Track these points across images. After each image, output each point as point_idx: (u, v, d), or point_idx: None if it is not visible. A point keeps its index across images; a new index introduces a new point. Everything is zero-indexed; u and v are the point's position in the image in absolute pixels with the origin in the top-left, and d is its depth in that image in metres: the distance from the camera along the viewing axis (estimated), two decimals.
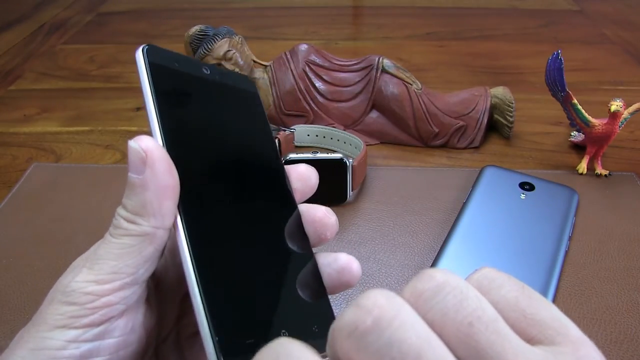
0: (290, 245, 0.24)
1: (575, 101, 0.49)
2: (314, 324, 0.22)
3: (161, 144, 0.21)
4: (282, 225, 0.24)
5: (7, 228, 0.46)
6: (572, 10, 0.97)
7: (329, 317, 0.23)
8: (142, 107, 0.21)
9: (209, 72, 0.25)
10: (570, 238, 0.43)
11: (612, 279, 0.40)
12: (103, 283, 0.20)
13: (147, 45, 0.23)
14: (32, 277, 0.41)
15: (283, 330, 0.21)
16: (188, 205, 0.21)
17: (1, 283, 0.41)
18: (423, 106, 0.55)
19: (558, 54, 0.48)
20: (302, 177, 0.25)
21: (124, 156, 0.57)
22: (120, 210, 0.20)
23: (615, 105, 0.47)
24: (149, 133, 0.21)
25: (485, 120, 0.55)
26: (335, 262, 0.24)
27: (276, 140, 0.51)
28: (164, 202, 0.20)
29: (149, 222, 0.20)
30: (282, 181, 0.25)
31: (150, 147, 0.20)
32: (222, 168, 0.23)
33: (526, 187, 0.47)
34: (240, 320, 0.20)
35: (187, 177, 0.21)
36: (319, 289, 0.23)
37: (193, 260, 0.20)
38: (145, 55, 0.23)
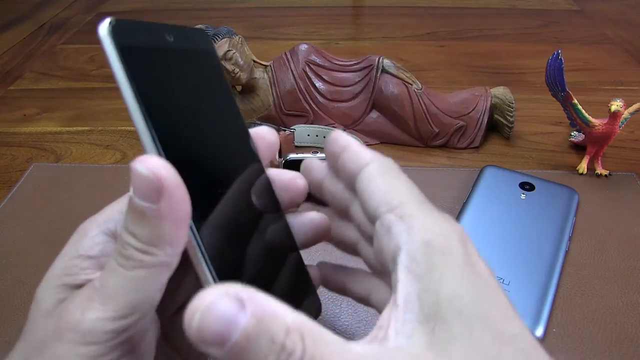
0: (262, 208, 0.24)
1: (576, 101, 0.49)
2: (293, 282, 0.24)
3: (158, 151, 0.19)
4: (252, 185, 0.24)
5: (7, 228, 0.46)
6: (572, 10, 0.97)
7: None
8: (120, 98, 0.20)
9: (172, 40, 0.22)
10: (570, 238, 0.43)
11: (612, 279, 0.40)
12: (121, 319, 0.18)
13: (112, 21, 0.19)
14: (32, 277, 0.41)
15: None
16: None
17: (1, 283, 0.41)
18: (423, 106, 0.55)
19: (558, 54, 0.48)
20: (288, 186, 0.25)
21: (124, 156, 0.57)
22: (129, 239, 0.18)
23: (615, 105, 0.47)
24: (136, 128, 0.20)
25: (486, 120, 0.55)
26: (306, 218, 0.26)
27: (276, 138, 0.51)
28: (181, 230, 0.18)
29: (165, 251, 0.18)
30: (248, 144, 0.25)
31: (165, 175, 0.17)
32: (206, 148, 0.22)
33: (526, 187, 0.47)
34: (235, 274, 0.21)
35: (185, 171, 0.20)
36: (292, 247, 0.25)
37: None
38: (113, 37, 0.19)
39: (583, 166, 0.51)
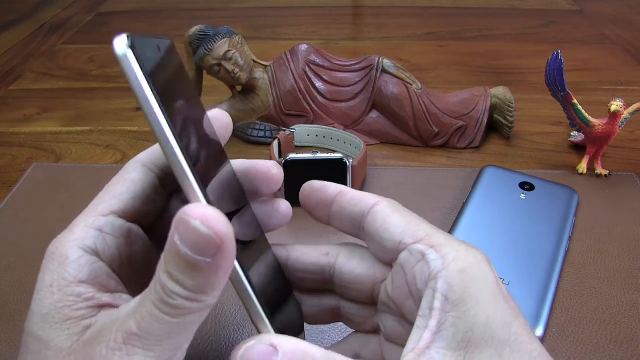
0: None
1: (575, 101, 0.49)
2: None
3: (188, 170, 0.18)
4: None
5: (7, 228, 0.46)
6: (572, 10, 0.97)
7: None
8: (144, 117, 0.19)
9: (160, 52, 0.21)
10: (570, 238, 0.43)
11: (612, 279, 0.40)
12: None
13: (129, 36, 0.18)
14: (33, 277, 0.41)
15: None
16: None
17: (1, 283, 0.41)
18: (423, 106, 0.55)
19: (558, 54, 0.48)
20: (266, 176, 0.25)
21: (124, 156, 0.57)
22: (176, 288, 0.17)
23: (615, 105, 0.47)
24: (153, 135, 0.19)
25: (485, 120, 0.55)
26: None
27: (276, 141, 0.51)
28: (227, 276, 0.18)
29: (213, 296, 0.18)
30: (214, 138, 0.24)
31: (225, 232, 0.16)
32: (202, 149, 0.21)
33: (526, 187, 0.47)
34: None
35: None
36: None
37: None
38: (131, 50, 0.18)
39: (583, 166, 0.51)
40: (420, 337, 0.19)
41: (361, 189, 0.50)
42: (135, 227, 0.23)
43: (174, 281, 0.17)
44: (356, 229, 0.24)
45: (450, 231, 0.43)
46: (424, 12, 0.97)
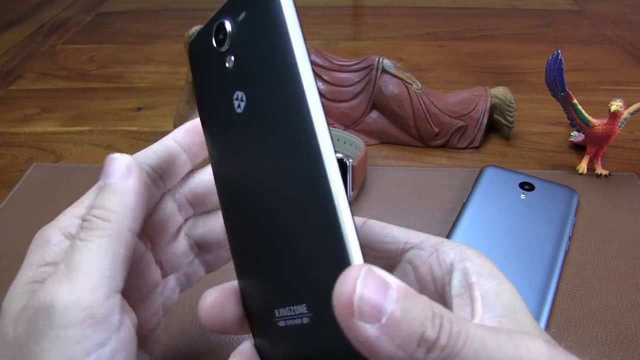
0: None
1: (575, 101, 0.49)
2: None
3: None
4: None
5: (7, 228, 0.46)
6: (572, 10, 0.97)
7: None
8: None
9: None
10: (570, 238, 0.43)
11: (612, 279, 0.40)
12: (94, 291, 0.20)
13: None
14: None
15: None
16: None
17: (1, 283, 0.41)
18: (423, 106, 0.55)
19: (558, 54, 0.48)
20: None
21: None
22: (91, 211, 0.22)
23: (615, 105, 0.47)
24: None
25: (485, 120, 0.55)
26: None
27: None
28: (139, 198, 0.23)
29: (125, 218, 0.22)
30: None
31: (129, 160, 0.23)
32: None
33: (526, 187, 0.47)
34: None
35: None
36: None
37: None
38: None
39: (583, 166, 0.51)
40: (468, 311, 0.19)
41: (361, 189, 0.50)
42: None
43: (91, 208, 0.23)
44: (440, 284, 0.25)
45: (450, 231, 0.43)
46: (424, 12, 0.97)
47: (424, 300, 0.15)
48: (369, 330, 0.14)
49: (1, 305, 0.20)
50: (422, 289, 0.22)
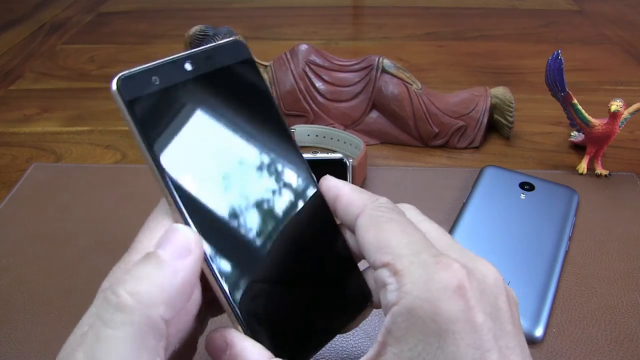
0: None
1: (575, 101, 0.49)
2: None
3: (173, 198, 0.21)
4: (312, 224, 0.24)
5: (7, 228, 0.46)
6: (572, 10, 0.97)
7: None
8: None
9: (192, 68, 0.22)
10: (570, 238, 0.43)
11: (612, 279, 0.40)
12: None
13: (119, 77, 0.20)
14: (32, 277, 0.41)
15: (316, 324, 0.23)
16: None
17: (1, 283, 0.41)
18: (423, 106, 0.55)
19: (558, 54, 0.48)
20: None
21: (124, 156, 0.57)
22: None
23: (615, 105, 0.47)
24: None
25: (485, 120, 0.55)
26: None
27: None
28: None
29: None
30: (303, 171, 0.25)
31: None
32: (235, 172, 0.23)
33: (526, 187, 0.47)
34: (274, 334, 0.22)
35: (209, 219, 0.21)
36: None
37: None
38: (120, 93, 0.20)
39: (583, 166, 0.51)
40: None
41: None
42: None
43: None
44: (352, 229, 0.24)
45: (450, 231, 0.43)
46: (424, 12, 0.97)
47: None
48: None
49: None
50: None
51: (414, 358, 0.19)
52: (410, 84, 0.55)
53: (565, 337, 0.36)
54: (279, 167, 0.24)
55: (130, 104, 0.20)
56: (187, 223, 0.21)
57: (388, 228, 0.22)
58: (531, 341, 0.35)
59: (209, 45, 0.23)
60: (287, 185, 0.24)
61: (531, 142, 0.58)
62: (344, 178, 0.46)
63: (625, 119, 0.50)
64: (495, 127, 0.58)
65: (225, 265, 0.21)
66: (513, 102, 0.55)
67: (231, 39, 0.24)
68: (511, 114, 0.56)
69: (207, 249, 0.21)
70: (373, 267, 0.22)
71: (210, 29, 0.55)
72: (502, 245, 0.42)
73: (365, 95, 0.56)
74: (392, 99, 0.55)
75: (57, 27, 0.94)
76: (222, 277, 0.21)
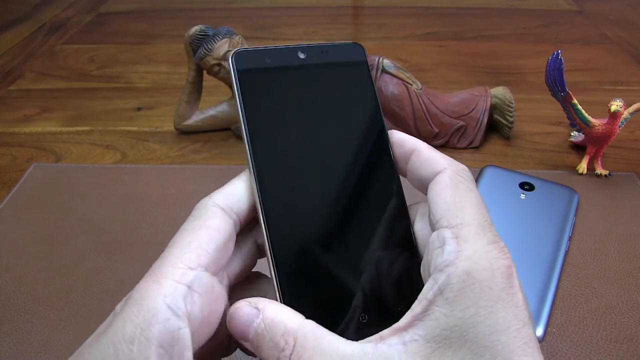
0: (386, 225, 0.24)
1: (575, 101, 0.49)
2: (399, 303, 0.23)
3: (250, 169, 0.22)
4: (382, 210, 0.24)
5: (7, 228, 0.46)
6: (572, 10, 0.97)
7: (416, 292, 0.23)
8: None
9: (304, 57, 0.24)
10: (570, 238, 0.43)
11: (612, 279, 0.40)
12: None
13: (235, 51, 0.23)
14: (32, 277, 0.41)
15: (362, 315, 0.22)
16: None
17: (1, 283, 0.41)
18: (423, 106, 0.55)
19: (558, 54, 0.48)
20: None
21: (124, 156, 0.57)
22: None
23: (615, 105, 0.47)
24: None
25: (485, 120, 0.55)
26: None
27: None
28: None
29: None
30: (389, 172, 0.25)
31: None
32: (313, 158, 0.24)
33: (526, 187, 0.47)
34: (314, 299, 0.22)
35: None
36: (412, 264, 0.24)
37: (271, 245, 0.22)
38: (234, 62, 0.23)
39: (583, 166, 0.51)
40: (409, 317, 0.20)
41: None
42: (217, 282, 0.22)
43: None
44: (424, 190, 0.24)
45: None
46: (424, 12, 0.97)
47: (278, 329, 0.20)
48: (247, 345, 0.21)
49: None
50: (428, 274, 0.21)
51: (465, 319, 0.19)
52: (410, 84, 0.55)
53: (565, 337, 0.36)
54: (360, 158, 0.24)
55: (240, 74, 0.23)
56: (250, 168, 0.23)
57: (466, 195, 0.22)
58: None
59: (325, 43, 0.25)
60: (363, 168, 0.24)
61: (531, 142, 0.58)
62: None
63: (625, 119, 0.50)
64: (495, 127, 0.58)
65: (278, 224, 0.22)
66: (513, 102, 0.55)
67: (349, 42, 0.26)
68: (511, 114, 0.56)
69: (266, 201, 0.22)
70: (435, 225, 0.22)
71: (210, 29, 0.55)
72: None
73: None
74: (392, 99, 0.55)
75: (57, 27, 0.94)
76: (271, 232, 0.22)
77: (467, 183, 0.23)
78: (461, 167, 0.23)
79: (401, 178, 0.25)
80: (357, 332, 0.21)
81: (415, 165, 0.24)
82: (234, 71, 0.23)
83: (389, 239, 0.24)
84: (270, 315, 0.20)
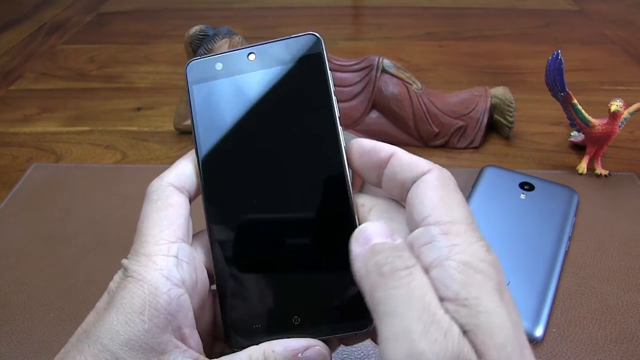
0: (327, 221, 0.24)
1: (575, 101, 0.49)
2: (335, 308, 0.23)
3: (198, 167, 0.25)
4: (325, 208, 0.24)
5: (7, 228, 0.46)
6: (572, 10, 0.97)
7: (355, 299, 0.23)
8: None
9: (254, 57, 0.25)
10: (570, 238, 0.43)
11: (612, 279, 0.40)
12: None
13: (189, 62, 0.25)
14: (32, 277, 0.41)
15: (295, 317, 0.23)
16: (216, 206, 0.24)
17: (1, 283, 0.41)
18: (423, 106, 0.55)
19: (558, 54, 0.48)
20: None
21: (124, 156, 0.57)
22: None
23: (615, 105, 0.47)
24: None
25: (485, 120, 0.55)
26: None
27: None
28: None
29: None
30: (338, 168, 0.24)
31: None
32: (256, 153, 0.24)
33: (526, 187, 0.47)
34: (249, 308, 0.23)
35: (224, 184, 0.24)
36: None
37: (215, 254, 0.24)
38: (187, 73, 0.25)
39: (583, 166, 0.51)
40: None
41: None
42: (196, 253, 0.24)
43: None
44: (404, 193, 0.23)
45: None
46: (424, 12, 0.97)
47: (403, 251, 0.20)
48: (356, 248, 0.21)
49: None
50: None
51: (476, 306, 0.19)
52: (410, 84, 0.55)
53: (565, 337, 0.36)
54: (304, 158, 0.24)
55: (192, 84, 0.25)
56: (198, 164, 0.25)
57: (454, 196, 0.22)
58: (531, 341, 0.35)
59: (280, 38, 0.25)
60: (305, 167, 0.24)
61: (531, 142, 0.58)
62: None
63: (625, 119, 0.50)
64: (495, 127, 0.58)
65: (216, 208, 0.24)
66: (513, 102, 0.55)
67: (305, 33, 0.25)
68: (511, 114, 0.56)
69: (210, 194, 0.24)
70: (420, 223, 0.21)
71: (210, 29, 0.55)
72: (502, 245, 0.42)
73: (365, 96, 0.56)
74: (392, 99, 0.55)
75: (57, 27, 0.94)
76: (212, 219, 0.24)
77: (453, 186, 0.23)
78: (446, 171, 0.24)
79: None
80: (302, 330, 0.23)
81: (396, 169, 0.24)
82: (187, 82, 0.25)
83: (329, 237, 0.24)
84: (398, 242, 0.21)
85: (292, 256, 0.23)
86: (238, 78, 0.24)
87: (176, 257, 0.22)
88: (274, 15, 0.97)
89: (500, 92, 0.56)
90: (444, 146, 0.57)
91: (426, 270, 0.20)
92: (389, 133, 0.57)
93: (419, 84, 0.56)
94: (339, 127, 0.24)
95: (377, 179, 0.25)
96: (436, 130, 0.55)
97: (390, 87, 0.55)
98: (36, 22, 0.96)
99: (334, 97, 0.24)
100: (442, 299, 0.19)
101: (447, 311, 0.18)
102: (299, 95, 0.25)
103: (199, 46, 0.54)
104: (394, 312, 0.18)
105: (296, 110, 0.24)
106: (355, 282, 0.22)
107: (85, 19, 0.97)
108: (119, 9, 1.02)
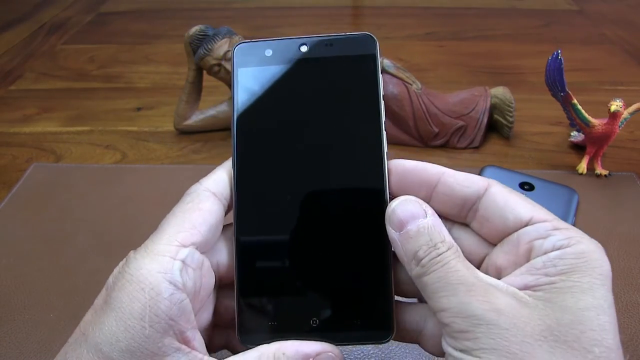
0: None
1: (575, 101, 0.49)
2: (358, 314, 0.23)
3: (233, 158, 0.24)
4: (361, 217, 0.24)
5: (7, 228, 0.46)
6: (572, 10, 0.97)
7: (385, 309, 0.23)
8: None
9: (306, 49, 0.24)
10: None
11: (612, 279, 0.40)
12: None
13: (237, 44, 0.24)
14: (32, 277, 0.41)
15: (314, 319, 0.23)
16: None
17: (1, 283, 0.41)
18: (423, 106, 0.55)
19: (558, 54, 0.48)
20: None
21: (124, 156, 0.57)
22: None
23: (615, 105, 0.47)
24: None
25: (485, 120, 0.55)
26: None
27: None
28: None
29: None
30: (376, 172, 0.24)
31: None
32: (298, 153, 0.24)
33: (526, 187, 0.47)
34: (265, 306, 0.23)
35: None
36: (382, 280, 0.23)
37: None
38: (234, 55, 0.24)
39: (583, 166, 0.51)
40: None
41: None
42: (206, 260, 0.23)
43: None
44: (464, 211, 0.24)
45: None
46: (424, 12, 0.97)
47: (439, 234, 0.22)
48: (393, 233, 0.22)
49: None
50: (516, 264, 0.22)
51: (579, 287, 0.20)
52: (410, 84, 0.55)
53: None
54: (344, 165, 0.24)
55: (238, 67, 0.24)
56: (234, 164, 0.24)
57: (526, 197, 0.23)
58: None
59: (334, 34, 0.25)
60: (348, 175, 0.24)
61: (531, 142, 0.58)
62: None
63: (625, 119, 0.50)
64: (495, 127, 0.58)
65: (247, 216, 0.23)
66: (513, 102, 0.55)
67: (361, 33, 0.25)
68: (511, 114, 0.56)
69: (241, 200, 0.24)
70: (522, 223, 0.22)
71: (210, 29, 0.55)
72: None
73: None
74: (392, 99, 0.55)
75: (57, 27, 0.94)
76: (240, 224, 0.23)
77: (517, 192, 0.24)
78: (501, 183, 0.25)
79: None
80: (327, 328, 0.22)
81: (454, 187, 0.24)
82: (232, 63, 0.24)
83: (359, 245, 0.23)
84: (433, 221, 0.22)
85: (321, 257, 0.23)
86: (287, 67, 0.24)
87: (183, 261, 0.21)
88: (274, 15, 0.97)
89: (500, 92, 0.56)
90: (444, 146, 0.57)
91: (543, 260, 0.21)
92: (389, 133, 0.56)
93: (418, 83, 0.56)
94: (384, 133, 0.24)
95: (426, 199, 0.24)
96: (436, 130, 0.55)
97: (390, 87, 0.55)
98: (36, 22, 0.96)
99: (382, 101, 0.24)
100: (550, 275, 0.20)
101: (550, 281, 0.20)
102: (347, 94, 0.24)
103: (199, 46, 0.54)
104: (443, 290, 0.20)
105: (342, 110, 0.24)
106: (379, 292, 0.22)
107: (85, 19, 0.97)
108: (119, 9, 1.02)
